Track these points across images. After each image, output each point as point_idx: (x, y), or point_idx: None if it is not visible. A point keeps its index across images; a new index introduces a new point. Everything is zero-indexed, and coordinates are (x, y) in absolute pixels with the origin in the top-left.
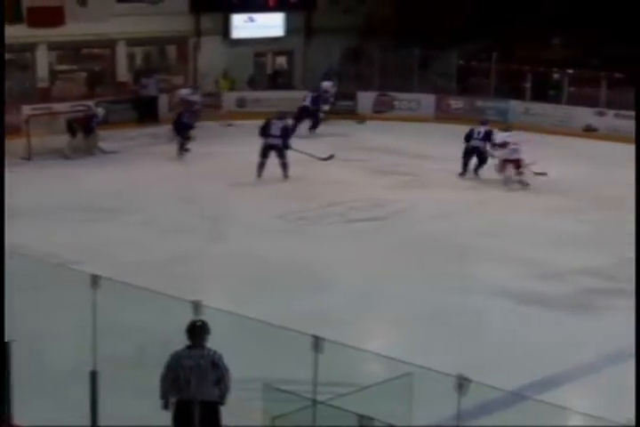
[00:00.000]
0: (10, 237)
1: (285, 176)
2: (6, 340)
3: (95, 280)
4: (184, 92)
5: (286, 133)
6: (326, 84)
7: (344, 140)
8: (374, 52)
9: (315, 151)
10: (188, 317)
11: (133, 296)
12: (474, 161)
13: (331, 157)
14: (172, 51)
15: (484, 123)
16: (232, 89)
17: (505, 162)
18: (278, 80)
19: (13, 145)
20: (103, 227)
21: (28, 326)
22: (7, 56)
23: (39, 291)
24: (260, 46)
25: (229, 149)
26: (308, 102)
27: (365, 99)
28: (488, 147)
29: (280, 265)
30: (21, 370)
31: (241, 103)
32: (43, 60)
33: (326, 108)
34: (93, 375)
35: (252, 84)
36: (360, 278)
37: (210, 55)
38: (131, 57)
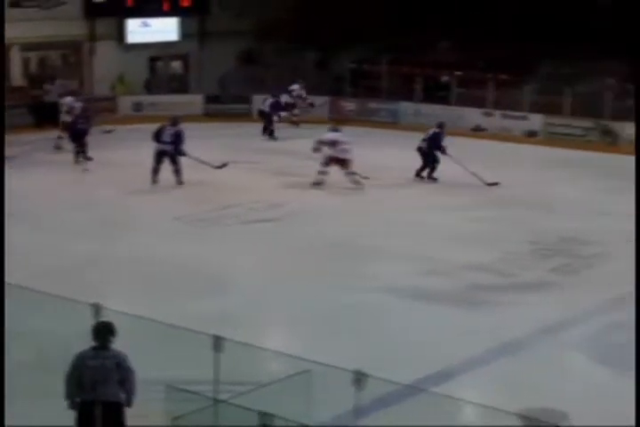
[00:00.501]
0: None
1: (179, 182)
2: None
3: None
4: (68, 99)
5: (178, 140)
6: (294, 87)
7: (239, 142)
8: (269, 56)
9: (210, 155)
10: (88, 319)
11: (33, 300)
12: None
13: (224, 166)
14: (67, 55)
15: (439, 126)
16: (128, 93)
17: (331, 160)
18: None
19: None
20: None
21: None
22: None
23: None
24: (156, 50)
25: (125, 155)
26: (266, 107)
27: (261, 101)
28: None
29: (178, 267)
30: None
31: (137, 107)
32: None
33: (297, 111)
34: None
35: (149, 88)
36: (258, 279)
37: (105, 60)
38: (25, 62)
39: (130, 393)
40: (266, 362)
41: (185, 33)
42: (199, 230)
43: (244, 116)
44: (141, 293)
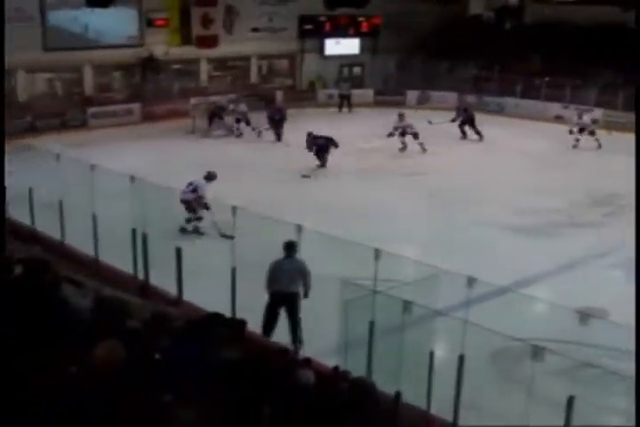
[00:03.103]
0: None
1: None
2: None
3: None
4: (242, 106)
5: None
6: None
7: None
8: (416, 64)
9: (378, 126)
10: (294, 236)
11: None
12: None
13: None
14: (284, 63)
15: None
16: (323, 87)
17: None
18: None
19: (183, 123)
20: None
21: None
22: (179, 66)
23: None
24: (343, 60)
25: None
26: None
27: (410, 95)
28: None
29: (362, 205)
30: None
31: (329, 97)
32: (204, 69)
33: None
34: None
35: (337, 84)
36: (406, 213)
37: (310, 65)
38: (259, 67)
39: (307, 288)
40: (408, 267)
41: (363, 48)
42: (372, 181)
43: (401, 104)
44: (331, 220)
